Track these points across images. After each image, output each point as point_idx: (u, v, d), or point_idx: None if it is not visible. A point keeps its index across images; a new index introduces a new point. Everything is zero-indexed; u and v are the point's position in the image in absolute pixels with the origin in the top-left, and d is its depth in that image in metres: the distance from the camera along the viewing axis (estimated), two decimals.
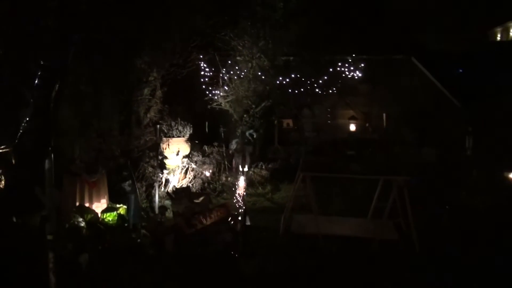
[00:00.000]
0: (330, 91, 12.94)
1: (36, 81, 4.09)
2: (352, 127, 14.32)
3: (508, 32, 29.74)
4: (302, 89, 11.98)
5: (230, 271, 5.99)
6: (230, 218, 7.45)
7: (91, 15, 5.08)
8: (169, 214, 8.02)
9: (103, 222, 6.74)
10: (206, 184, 9.83)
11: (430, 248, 6.63)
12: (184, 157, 9.59)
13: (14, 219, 5.62)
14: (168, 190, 8.82)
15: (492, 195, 7.69)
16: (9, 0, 3.87)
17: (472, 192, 7.77)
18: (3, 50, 3.95)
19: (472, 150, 8.18)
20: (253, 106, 11.38)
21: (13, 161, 4.36)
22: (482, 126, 8.96)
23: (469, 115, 9.49)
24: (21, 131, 4.32)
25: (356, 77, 13.14)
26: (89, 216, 6.53)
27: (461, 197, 7.85)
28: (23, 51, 4.01)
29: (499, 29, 30.51)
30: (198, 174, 9.67)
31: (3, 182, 4.70)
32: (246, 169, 8.86)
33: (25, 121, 4.29)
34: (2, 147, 4.48)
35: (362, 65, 12.91)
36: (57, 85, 4.35)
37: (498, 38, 30.37)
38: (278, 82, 11.59)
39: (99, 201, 7.16)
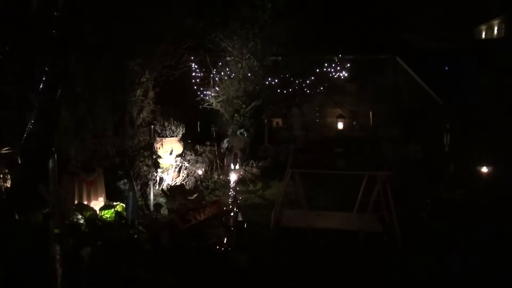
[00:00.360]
0: (318, 91, 13.29)
1: (41, 86, 4.36)
2: (340, 125, 14.71)
3: (493, 29, 30.39)
4: (290, 89, 12.32)
5: (223, 263, 6.32)
6: (222, 214, 7.77)
7: (90, 22, 5.36)
8: (164, 211, 8.31)
9: (101, 219, 7.02)
10: (199, 182, 10.11)
11: (412, 240, 7.04)
12: (177, 156, 9.88)
13: (17, 217, 5.85)
14: (163, 188, 9.11)
15: (467, 188, 8.15)
16: (16, 10, 4.15)
17: (450, 186, 8.21)
18: (10, 57, 4.22)
19: (449, 146, 8.63)
20: (244, 105, 11.70)
21: (19, 161, 4.62)
22: (460, 122, 9.42)
23: (447, 112, 9.93)
24: (26, 132, 4.60)
25: (343, 77, 13.52)
26: (88, 213, 6.81)
27: (440, 190, 8.29)
28: (29, 58, 4.28)
29: (483, 27, 31.17)
30: (191, 172, 9.96)
31: (9, 181, 4.96)
32: (237, 167, 9.18)
33: (30, 123, 4.56)
34: (8, 148, 4.76)
35: (348, 65, 13.28)
36: (60, 90, 4.63)
37: (483, 36, 31.04)
38: (267, 82, 11.91)
39: (96, 199, 7.44)
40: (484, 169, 8.10)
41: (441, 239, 7.08)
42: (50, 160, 4.82)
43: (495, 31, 29.80)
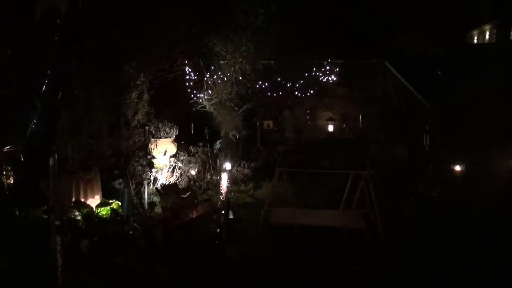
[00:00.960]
0: (309, 94, 13.66)
1: (43, 89, 4.70)
2: (330, 128, 15.09)
3: (485, 35, 30.98)
4: (281, 92, 12.68)
5: (214, 257, 6.65)
6: (214, 212, 8.10)
7: (89, 28, 5.70)
8: (158, 209, 8.62)
9: (97, 216, 7.32)
10: (192, 182, 10.43)
11: (394, 235, 7.43)
12: (171, 156, 10.20)
13: (17, 212, 6.16)
14: (157, 187, 9.42)
15: (444, 186, 8.58)
16: (22, 19, 4.49)
17: (428, 184, 8.64)
18: (15, 61, 4.56)
19: (429, 146, 9.06)
20: (236, 108, 12.04)
21: (22, 159, 4.95)
22: (438, 124, 9.86)
23: (428, 114, 10.36)
24: (29, 132, 4.93)
25: (333, 80, 13.87)
26: (85, 210, 7.11)
27: (419, 189, 8.73)
28: (33, 63, 4.63)
29: (475, 32, 31.76)
30: (184, 172, 10.28)
31: (11, 178, 5.28)
32: (229, 167, 9.49)
33: (32, 123, 4.90)
34: (11, 146, 5.09)
35: (338, 69, 13.63)
36: (60, 92, 4.98)
37: (475, 41, 31.60)
38: (258, 85, 12.26)
39: (93, 197, 7.75)
40: (458, 168, 8.54)
41: (421, 234, 7.48)
42: (51, 158, 5.15)
43: (487, 36, 30.37)
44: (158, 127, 10.40)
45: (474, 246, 6.94)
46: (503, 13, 27.62)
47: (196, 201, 9.04)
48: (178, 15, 10.28)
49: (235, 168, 11.37)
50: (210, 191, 10.39)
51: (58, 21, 4.55)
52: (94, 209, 7.46)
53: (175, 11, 10.10)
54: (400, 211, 8.38)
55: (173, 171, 10.10)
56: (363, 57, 14.79)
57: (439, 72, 13.89)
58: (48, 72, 4.66)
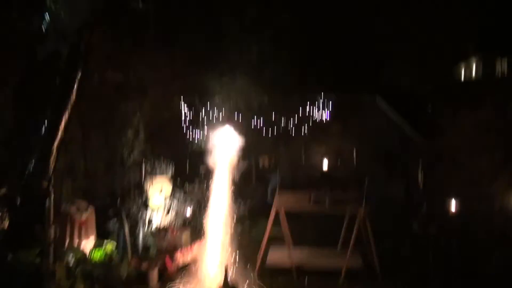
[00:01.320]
0: (303, 130, 13.75)
1: (43, 131, 4.72)
2: (325, 164, 15.05)
3: (471, 69, 31.63)
4: (276, 128, 12.76)
5: None
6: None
7: (88, 70, 5.80)
8: (152, 251, 8.46)
9: (91, 260, 7.17)
10: (187, 223, 10.28)
11: (391, 274, 7.39)
12: (166, 195, 10.09)
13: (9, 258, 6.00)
14: (152, 228, 9.27)
15: (440, 224, 8.53)
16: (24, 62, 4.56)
17: (424, 223, 8.62)
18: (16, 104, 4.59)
19: (423, 183, 9.07)
20: None
21: (19, 201, 4.90)
22: (433, 160, 9.94)
23: (422, 151, 10.44)
24: (26, 174, 4.91)
25: (327, 117, 14.01)
26: (79, 254, 6.97)
27: (414, 227, 8.71)
28: (32, 104, 4.67)
29: (462, 66, 32.42)
30: (179, 212, 10.15)
31: (6, 221, 5.20)
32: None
33: (30, 165, 4.89)
34: (6, 189, 5.04)
35: (331, 105, 13.81)
36: (59, 135, 5.00)
37: (462, 75, 32.18)
38: (254, 122, 12.35)
39: (87, 238, 7.61)
40: (453, 205, 8.40)
41: (418, 274, 7.39)
42: (47, 200, 5.12)
43: (474, 70, 31.00)
44: (153, 164, 10.35)
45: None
46: (487, 48, 28.23)
47: (191, 242, 8.95)
48: (175, 54, 10.44)
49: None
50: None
51: (60, 64, 4.63)
52: (89, 251, 7.32)
53: (171, 51, 10.28)
54: (397, 250, 8.32)
55: (168, 211, 9.97)
56: (355, 93, 15.00)
57: (430, 107, 14.10)
58: (48, 113, 4.69)
